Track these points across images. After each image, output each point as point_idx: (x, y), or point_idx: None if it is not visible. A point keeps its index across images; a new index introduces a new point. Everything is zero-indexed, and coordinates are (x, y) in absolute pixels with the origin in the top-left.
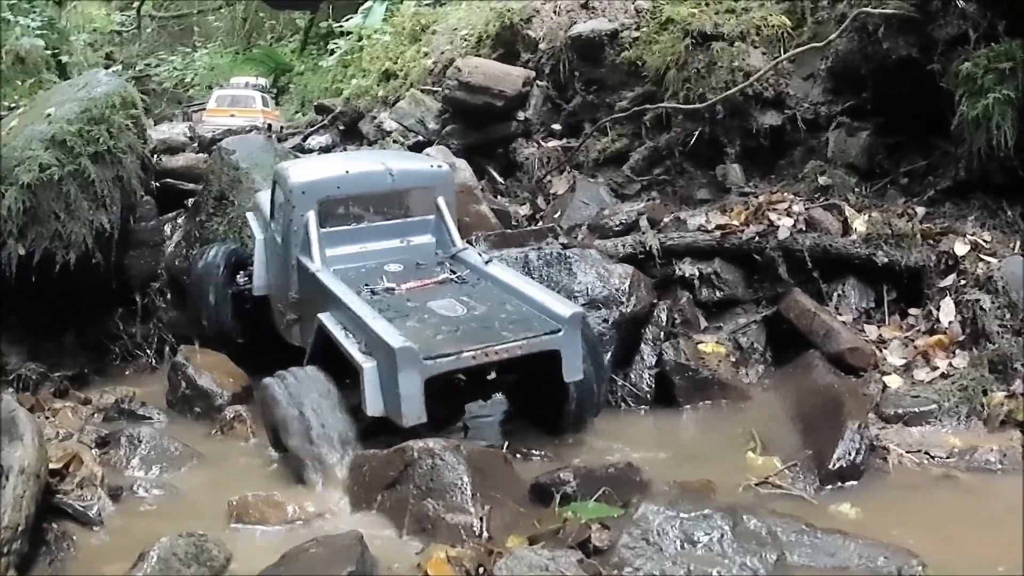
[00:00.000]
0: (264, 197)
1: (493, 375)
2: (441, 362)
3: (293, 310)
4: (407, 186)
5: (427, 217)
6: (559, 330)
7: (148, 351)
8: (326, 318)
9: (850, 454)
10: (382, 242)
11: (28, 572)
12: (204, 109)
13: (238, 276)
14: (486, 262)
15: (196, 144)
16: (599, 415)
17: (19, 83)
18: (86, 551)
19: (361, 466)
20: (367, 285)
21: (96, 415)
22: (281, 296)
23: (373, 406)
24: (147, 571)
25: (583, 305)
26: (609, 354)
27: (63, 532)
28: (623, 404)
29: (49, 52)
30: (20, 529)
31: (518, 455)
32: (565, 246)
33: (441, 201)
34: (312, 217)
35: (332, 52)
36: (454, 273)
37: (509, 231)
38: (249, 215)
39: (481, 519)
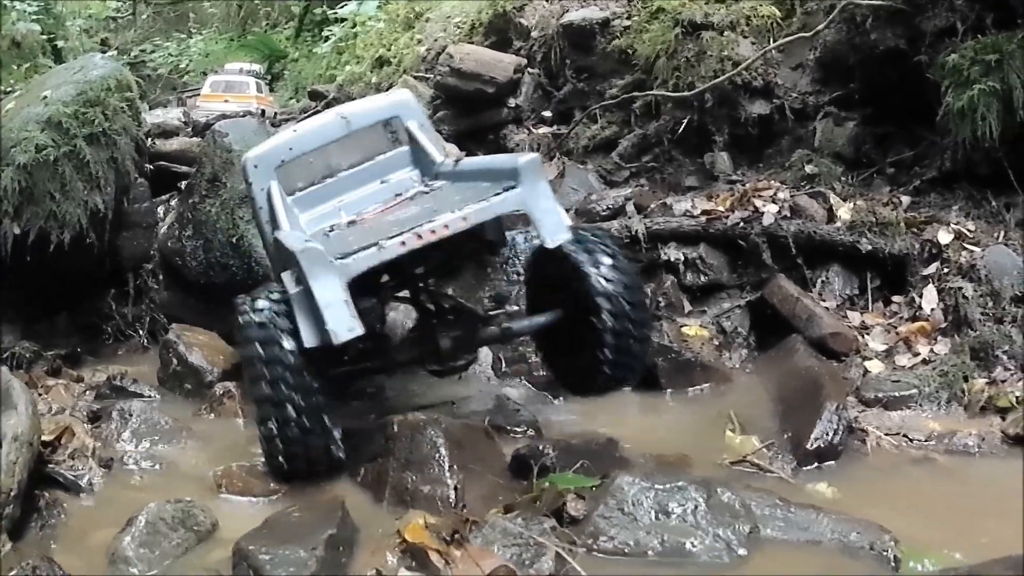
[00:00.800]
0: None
1: (516, 322)
2: (360, 256)
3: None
4: (366, 123)
5: (402, 149)
6: (513, 185)
7: (140, 331)
8: (285, 275)
9: (827, 434)
10: (360, 189)
11: (20, 537)
12: (198, 95)
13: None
14: (456, 162)
15: (190, 129)
16: (571, 395)
17: (15, 67)
18: (76, 517)
19: (347, 439)
20: (327, 226)
21: (88, 392)
22: None
23: (308, 336)
24: (135, 535)
25: None
26: None
27: (54, 500)
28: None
29: (45, 37)
30: (12, 494)
31: (503, 431)
32: None
33: (412, 125)
34: (273, 186)
35: (326, 39)
36: (426, 186)
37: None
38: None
39: (456, 490)
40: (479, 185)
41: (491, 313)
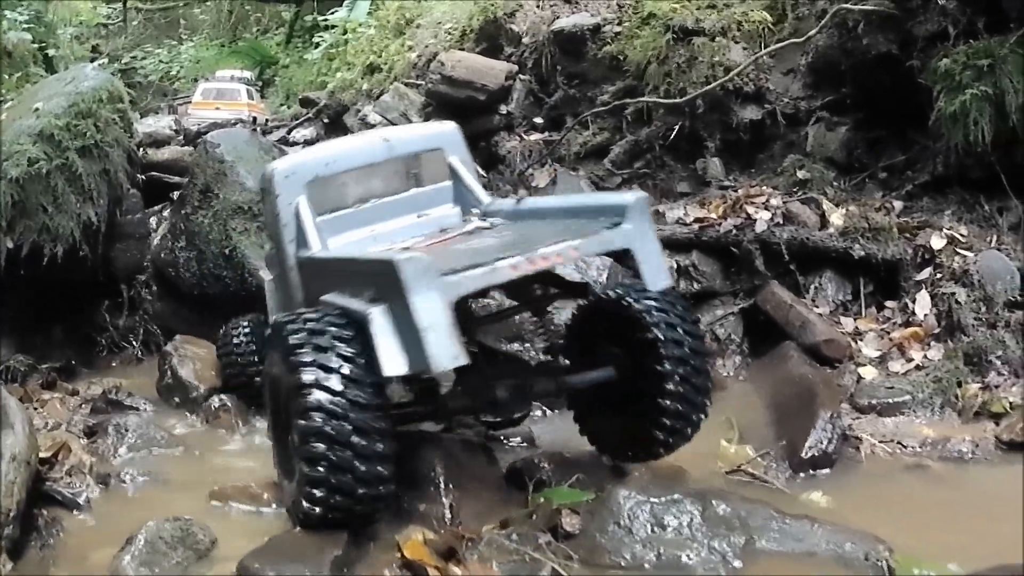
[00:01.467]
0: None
1: (573, 376)
2: (470, 275)
3: None
4: (408, 151)
5: (443, 184)
6: (620, 221)
7: (134, 343)
8: (332, 297)
9: (822, 443)
10: (396, 220)
11: (20, 556)
12: (189, 102)
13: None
14: (518, 201)
15: (181, 137)
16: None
17: (6, 77)
18: (75, 536)
19: None
20: (380, 248)
21: (84, 405)
22: None
23: (391, 362)
24: (134, 554)
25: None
26: None
27: (53, 518)
28: None
29: (36, 46)
30: (11, 515)
31: (498, 442)
32: None
33: (454, 160)
34: (303, 202)
35: (317, 45)
36: (484, 220)
37: None
38: (261, 272)
39: (452, 508)
40: (571, 218)
41: (544, 365)
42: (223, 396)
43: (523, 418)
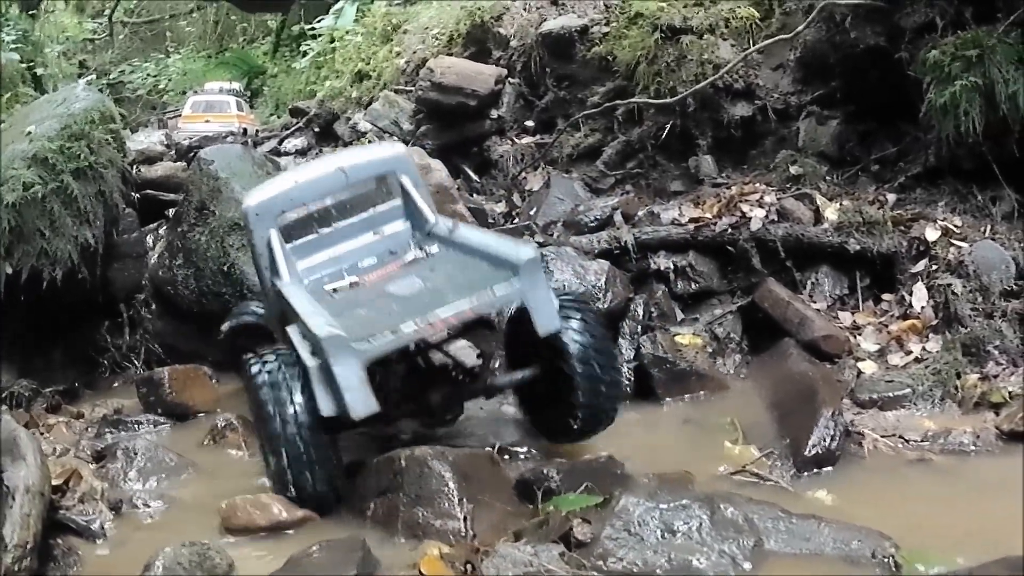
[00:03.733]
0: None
1: (499, 375)
2: (378, 343)
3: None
4: (365, 176)
5: (395, 203)
6: (511, 278)
7: (136, 362)
8: (291, 330)
9: (824, 440)
10: (354, 240)
11: None
12: (179, 116)
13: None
14: (450, 230)
15: (173, 152)
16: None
17: None
18: (92, 565)
19: (353, 474)
20: (332, 287)
21: (90, 428)
22: (277, 334)
23: (325, 406)
24: None
25: None
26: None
27: (69, 547)
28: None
29: (24, 65)
30: (29, 547)
31: (506, 456)
32: (541, 244)
33: (405, 181)
34: (274, 235)
35: (305, 54)
36: (422, 250)
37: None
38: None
39: (465, 520)
40: (479, 265)
41: (476, 370)
42: (228, 415)
43: (456, 418)
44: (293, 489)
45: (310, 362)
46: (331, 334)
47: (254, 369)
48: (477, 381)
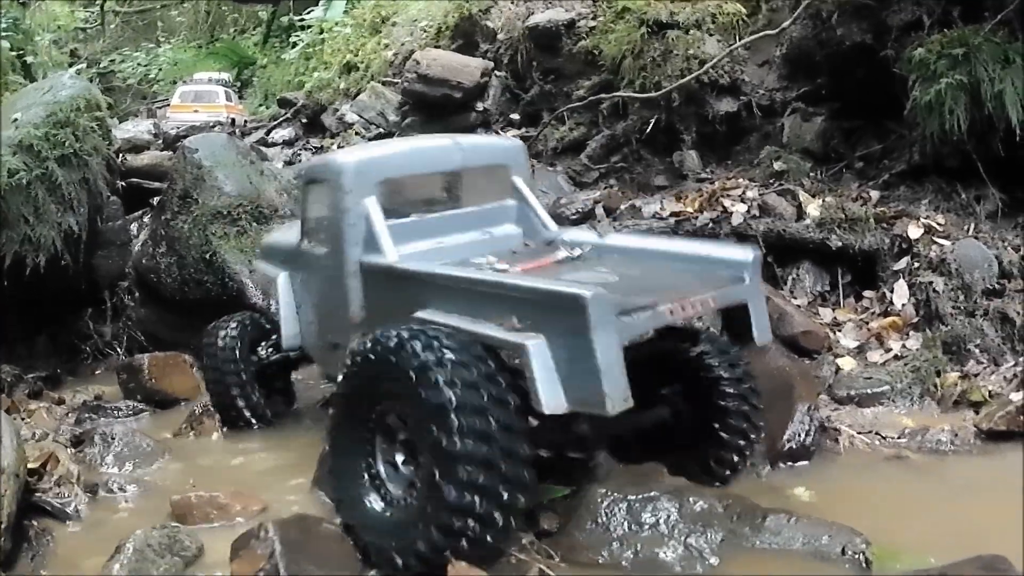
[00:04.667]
0: (278, 236)
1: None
2: (640, 318)
3: (360, 333)
4: (479, 163)
5: (507, 202)
6: (742, 278)
7: (119, 349)
8: (432, 315)
9: (800, 435)
10: (461, 234)
11: (11, 567)
12: (168, 105)
13: (259, 349)
14: (600, 234)
15: (161, 141)
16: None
17: None
18: (65, 546)
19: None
20: (477, 263)
21: (70, 415)
22: (333, 327)
23: (551, 399)
24: (123, 562)
25: None
26: None
27: (43, 529)
28: None
29: (14, 54)
30: (3, 526)
31: None
32: None
33: (518, 181)
34: (373, 202)
35: (294, 45)
36: (572, 251)
37: None
38: (259, 263)
39: None
40: (680, 265)
41: None
42: (206, 403)
43: (600, 453)
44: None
45: (526, 339)
46: (597, 294)
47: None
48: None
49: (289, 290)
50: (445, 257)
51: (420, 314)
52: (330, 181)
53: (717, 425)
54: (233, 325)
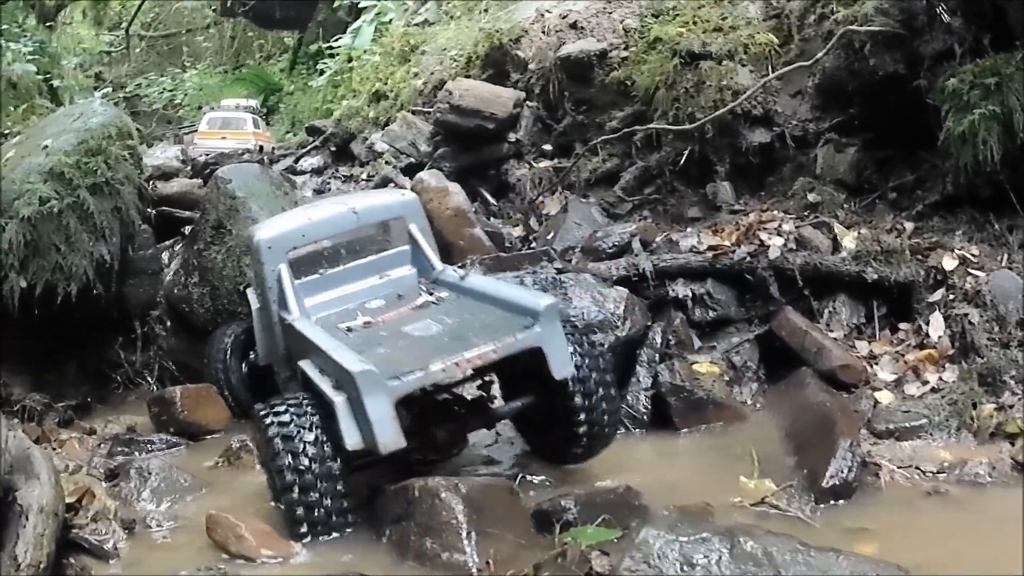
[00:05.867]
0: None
1: (499, 402)
2: (408, 379)
3: (285, 367)
4: (374, 220)
5: (403, 248)
6: (532, 324)
7: (149, 378)
8: (305, 364)
9: (842, 472)
10: (361, 282)
11: None
12: (195, 131)
13: (250, 354)
14: (461, 278)
15: (189, 168)
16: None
17: (12, 109)
18: None
19: (372, 499)
20: (345, 325)
21: (102, 445)
22: (275, 357)
23: (351, 439)
24: None
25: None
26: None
27: (82, 567)
28: (621, 427)
29: (41, 77)
30: (42, 567)
31: (525, 478)
32: (560, 270)
33: (413, 228)
34: (284, 269)
35: (322, 72)
36: (431, 295)
37: (504, 254)
38: (248, 291)
39: (473, 553)
40: (494, 312)
41: (477, 402)
42: (242, 436)
43: (460, 450)
44: (305, 525)
45: (335, 397)
46: (364, 369)
47: (267, 420)
48: (478, 413)
49: (258, 321)
50: (348, 302)
51: (301, 363)
52: (253, 252)
53: (562, 414)
54: (228, 333)
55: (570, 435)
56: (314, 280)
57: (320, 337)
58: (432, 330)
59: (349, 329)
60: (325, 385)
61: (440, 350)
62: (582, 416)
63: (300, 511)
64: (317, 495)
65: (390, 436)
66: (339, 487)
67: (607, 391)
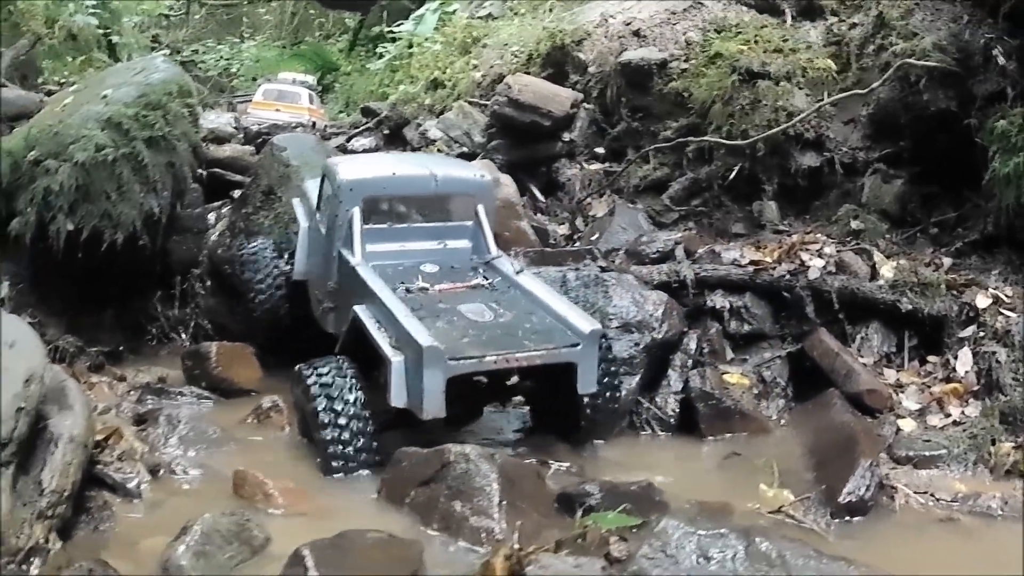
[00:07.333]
0: (312, 186)
1: (514, 379)
2: (464, 363)
3: (330, 299)
4: (449, 191)
5: (466, 223)
6: (577, 344)
7: (183, 335)
8: (361, 310)
9: (860, 489)
10: (421, 243)
11: (69, 536)
12: (250, 101)
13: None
14: (517, 272)
15: (242, 135)
16: (616, 436)
17: (70, 59)
18: (125, 522)
19: (401, 461)
20: (403, 283)
21: (132, 392)
22: (320, 284)
23: (397, 397)
24: (189, 544)
25: (616, 328)
26: (637, 378)
27: (104, 502)
28: (648, 428)
29: (101, 31)
30: (66, 494)
31: (548, 466)
32: (603, 269)
33: (480, 209)
34: (357, 213)
35: (381, 55)
36: (486, 279)
37: (548, 249)
38: (295, 202)
39: (501, 524)
40: (545, 320)
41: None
42: (274, 397)
43: (476, 420)
44: (338, 461)
45: (392, 356)
46: (432, 345)
47: (307, 374)
48: (496, 390)
49: (306, 240)
50: (405, 258)
51: (356, 308)
52: (334, 187)
53: (562, 399)
54: (262, 240)
55: (574, 421)
56: (380, 229)
57: (386, 295)
58: (486, 316)
59: (407, 290)
60: (383, 340)
61: (494, 342)
62: (587, 409)
63: (333, 448)
64: (348, 434)
65: (436, 406)
66: (368, 427)
67: (611, 387)
